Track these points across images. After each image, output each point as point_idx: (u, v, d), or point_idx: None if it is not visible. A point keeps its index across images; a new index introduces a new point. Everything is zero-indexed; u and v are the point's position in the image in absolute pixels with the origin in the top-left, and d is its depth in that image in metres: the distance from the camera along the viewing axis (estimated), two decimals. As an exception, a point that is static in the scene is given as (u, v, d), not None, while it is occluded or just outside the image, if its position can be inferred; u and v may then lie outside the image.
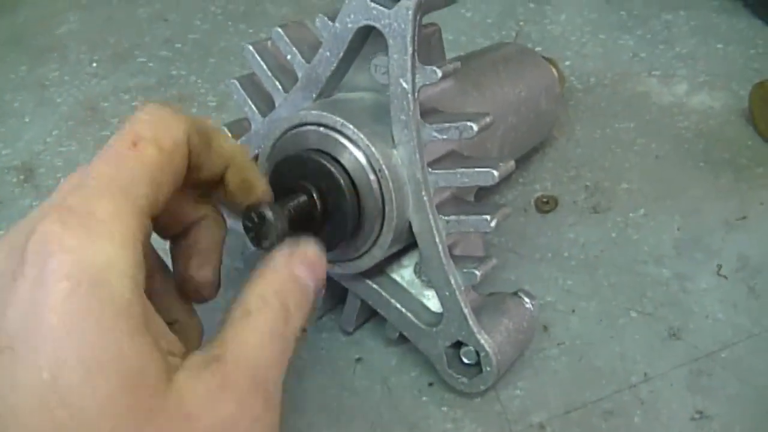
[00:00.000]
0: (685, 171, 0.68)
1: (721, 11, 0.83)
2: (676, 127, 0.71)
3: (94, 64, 0.79)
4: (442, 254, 0.50)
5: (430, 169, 0.49)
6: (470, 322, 0.50)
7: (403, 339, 0.54)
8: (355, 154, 0.47)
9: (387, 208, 0.48)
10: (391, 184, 0.48)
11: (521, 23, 0.82)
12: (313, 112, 0.48)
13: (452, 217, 0.49)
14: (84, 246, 0.34)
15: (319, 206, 0.47)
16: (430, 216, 0.49)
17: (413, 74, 0.47)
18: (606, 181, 0.67)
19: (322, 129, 0.48)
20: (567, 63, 0.77)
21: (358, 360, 0.55)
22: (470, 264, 0.51)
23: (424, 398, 0.53)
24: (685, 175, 0.67)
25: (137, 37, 0.82)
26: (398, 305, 0.53)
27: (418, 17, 0.47)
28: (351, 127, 0.47)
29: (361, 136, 0.47)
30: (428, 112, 0.50)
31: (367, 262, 0.50)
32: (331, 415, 0.52)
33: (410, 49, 0.47)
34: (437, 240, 0.49)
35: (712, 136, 0.70)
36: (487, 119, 0.49)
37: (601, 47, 0.79)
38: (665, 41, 0.80)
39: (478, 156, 0.54)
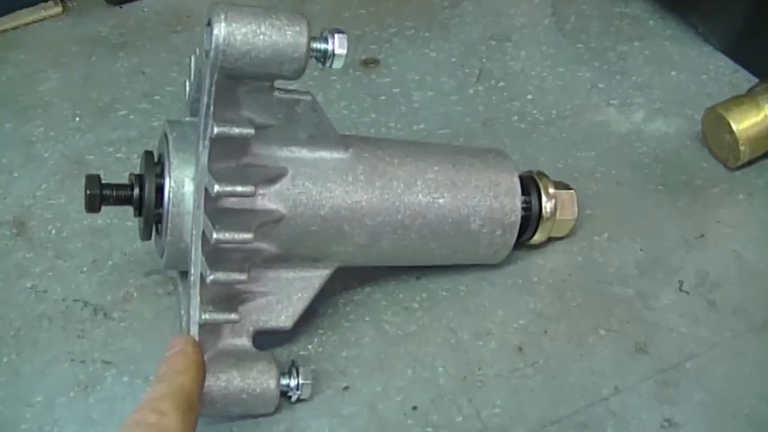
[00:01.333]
0: (644, 195, 0.72)
1: (673, 40, 0.87)
2: (635, 154, 0.75)
3: (77, 119, 0.82)
4: (192, 284, 0.55)
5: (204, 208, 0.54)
6: None
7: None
8: (165, 170, 0.56)
9: (168, 225, 0.56)
10: (171, 207, 0.56)
11: (483, 60, 0.86)
12: (166, 125, 0.58)
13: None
14: None
15: (135, 197, 0.57)
16: (192, 250, 0.55)
17: (205, 122, 0.52)
18: (571, 207, 0.70)
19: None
20: (529, 97, 0.81)
21: (346, 388, 0.59)
22: (218, 306, 0.55)
23: (409, 421, 0.57)
24: (645, 199, 0.71)
25: (117, 91, 0.85)
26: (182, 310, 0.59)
27: (214, 76, 0.51)
28: (168, 145, 0.56)
29: (170, 158, 0.56)
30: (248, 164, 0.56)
31: (165, 263, 0.59)
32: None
33: (205, 99, 0.52)
34: (192, 271, 0.55)
35: (669, 161, 0.74)
36: (245, 189, 0.52)
37: (560, 80, 0.83)
38: (621, 71, 0.84)
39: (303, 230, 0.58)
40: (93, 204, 0.57)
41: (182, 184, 0.56)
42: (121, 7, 0.96)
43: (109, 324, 0.64)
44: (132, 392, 0.59)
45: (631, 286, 0.65)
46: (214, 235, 0.52)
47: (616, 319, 0.62)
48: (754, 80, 0.78)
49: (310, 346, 0.62)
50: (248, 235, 0.52)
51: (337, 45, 0.53)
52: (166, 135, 0.58)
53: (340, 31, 0.53)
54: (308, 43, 0.51)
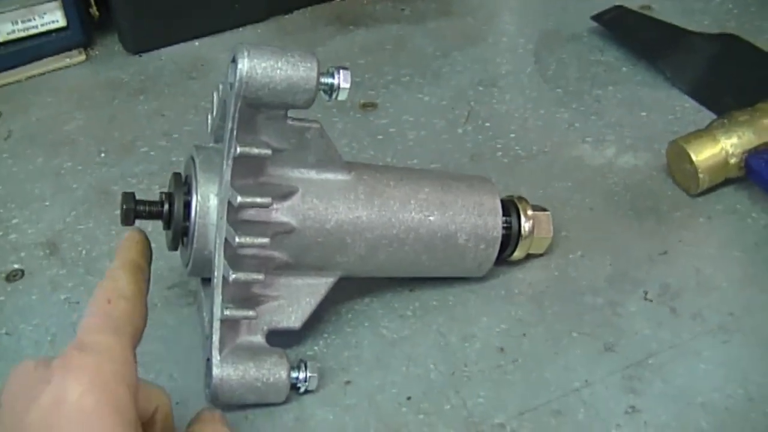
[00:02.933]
0: (615, 219, 0.80)
1: (644, 85, 0.96)
2: (607, 184, 0.83)
3: (103, 155, 0.90)
4: (215, 286, 0.63)
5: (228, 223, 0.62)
6: (212, 348, 0.63)
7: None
8: (192, 187, 0.64)
9: (193, 235, 0.64)
10: (198, 218, 0.63)
11: (472, 103, 0.95)
12: (193, 150, 0.66)
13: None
14: (95, 363, 0.49)
15: (165, 212, 0.65)
16: (216, 255, 0.62)
17: (229, 144, 0.61)
18: (549, 230, 0.78)
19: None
20: (512, 135, 0.90)
21: (347, 383, 0.66)
22: (236, 305, 0.63)
23: (403, 409, 0.64)
24: (615, 222, 0.79)
25: (139, 130, 0.93)
26: (204, 313, 0.67)
27: (238, 104, 0.59)
28: (195, 166, 0.64)
29: (197, 177, 0.64)
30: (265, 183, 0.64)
31: (190, 270, 0.66)
32: (327, 428, 0.63)
33: (230, 124, 0.61)
34: (215, 273, 0.62)
35: (637, 189, 0.83)
36: (263, 201, 0.61)
37: (541, 120, 0.92)
38: (596, 113, 0.92)
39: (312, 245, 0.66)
40: (128, 217, 0.65)
41: (207, 198, 0.64)
42: (140, 56, 1.05)
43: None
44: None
45: (601, 296, 0.72)
46: (237, 240, 0.60)
47: (587, 324, 0.70)
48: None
49: (316, 347, 0.69)
50: (266, 240, 0.60)
51: (342, 79, 0.62)
52: (192, 157, 0.66)
53: (345, 68, 0.62)
54: (318, 77, 0.60)
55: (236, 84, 0.59)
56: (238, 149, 0.60)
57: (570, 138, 0.90)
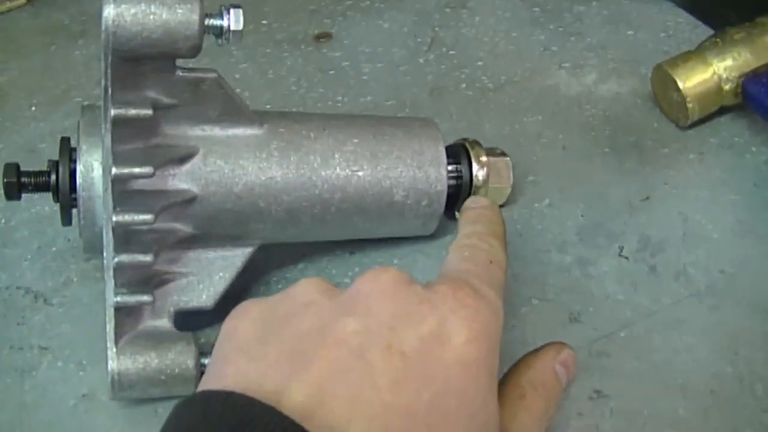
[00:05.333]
0: (591, 158, 0.70)
1: (633, -2, 0.85)
2: (584, 116, 0.73)
3: (33, 108, 0.81)
4: (106, 268, 0.55)
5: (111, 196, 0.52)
6: (108, 339, 0.54)
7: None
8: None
9: (80, 209, 0.57)
10: (82, 191, 0.56)
11: (436, 29, 0.84)
12: (82, 110, 0.59)
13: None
14: (488, 313, 0.43)
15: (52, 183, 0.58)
16: (104, 233, 0.55)
17: (105, 105, 0.52)
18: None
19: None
20: (479, 63, 0.79)
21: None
22: (132, 289, 0.54)
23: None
24: (591, 163, 0.69)
25: (74, 79, 0.84)
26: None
27: (108, 58, 0.50)
28: (79, 132, 0.57)
29: (80, 143, 0.57)
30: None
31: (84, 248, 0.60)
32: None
33: (103, 82, 0.52)
34: (105, 254, 0.55)
35: (618, 122, 0.72)
36: (143, 170, 0.52)
37: (513, 45, 0.81)
38: (577, 33, 0.81)
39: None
40: (11, 192, 0.57)
41: (91, 168, 0.56)
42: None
43: (48, 310, 0.63)
44: (64, 377, 0.59)
45: (570, 253, 0.63)
46: (113, 218, 0.51)
47: (551, 288, 0.61)
48: (715, 36, 0.76)
49: (238, 326, 0.60)
50: (148, 217, 0.52)
51: (233, 21, 0.52)
52: (79, 120, 0.57)
53: (236, 6, 0.52)
54: (201, 21, 0.50)
55: (103, 35, 0.50)
56: (112, 111, 0.51)
57: (544, 64, 0.79)
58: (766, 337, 0.57)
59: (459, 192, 0.62)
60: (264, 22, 0.86)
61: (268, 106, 0.76)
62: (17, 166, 0.58)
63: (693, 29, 0.80)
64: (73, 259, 0.67)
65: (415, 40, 0.83)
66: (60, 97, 0.82)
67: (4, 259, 0.67)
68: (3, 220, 0.70)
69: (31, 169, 0.58)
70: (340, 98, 0.78)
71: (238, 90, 0.57)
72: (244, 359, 0.40)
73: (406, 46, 0.83)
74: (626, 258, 0.62)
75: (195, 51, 0.51)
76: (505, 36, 0.82)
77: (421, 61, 0.81)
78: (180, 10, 0.50)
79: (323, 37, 0.85)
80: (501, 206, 0.65)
